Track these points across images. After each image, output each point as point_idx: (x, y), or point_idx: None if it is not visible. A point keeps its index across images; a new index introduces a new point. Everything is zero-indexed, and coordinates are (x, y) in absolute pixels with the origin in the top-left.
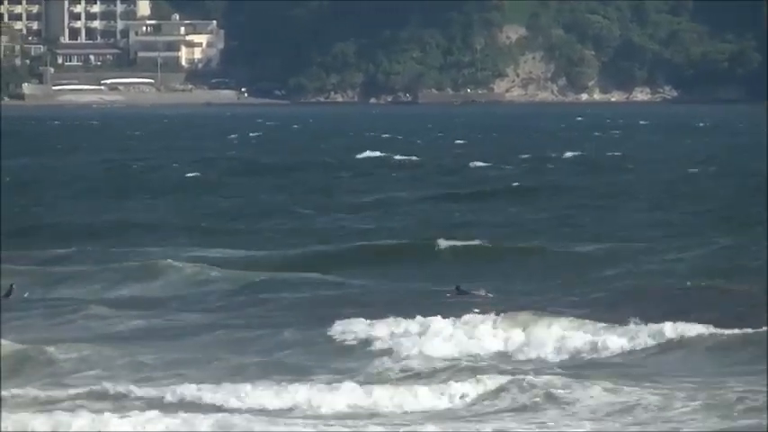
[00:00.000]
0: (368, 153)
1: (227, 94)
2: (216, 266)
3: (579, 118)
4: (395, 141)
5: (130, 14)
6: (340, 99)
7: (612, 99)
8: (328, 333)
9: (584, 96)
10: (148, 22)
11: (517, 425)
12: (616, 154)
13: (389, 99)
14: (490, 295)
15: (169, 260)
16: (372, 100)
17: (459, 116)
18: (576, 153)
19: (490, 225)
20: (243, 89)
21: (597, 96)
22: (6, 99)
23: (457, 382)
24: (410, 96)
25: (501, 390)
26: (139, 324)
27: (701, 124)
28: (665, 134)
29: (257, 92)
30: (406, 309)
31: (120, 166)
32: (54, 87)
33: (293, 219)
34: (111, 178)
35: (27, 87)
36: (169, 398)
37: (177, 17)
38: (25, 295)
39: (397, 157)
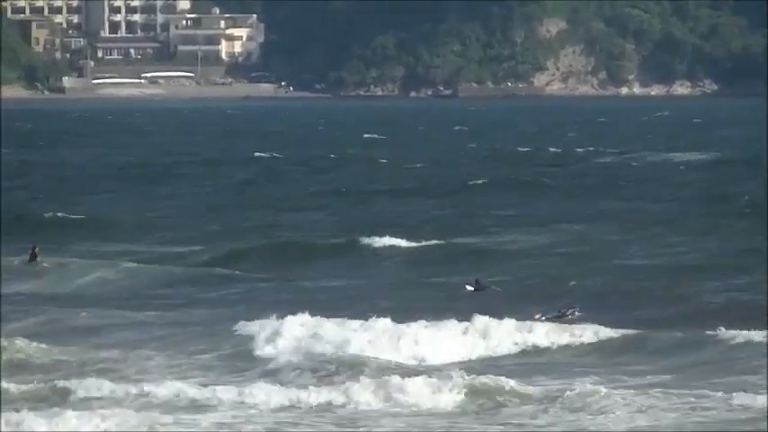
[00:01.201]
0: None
1: (266, 88)
2: (145, 263)
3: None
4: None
5: (170, 8)
6: (380, 93)
7: (652, 93)
8: (233, 330)
9: (624, 90)
10: (188, 15)
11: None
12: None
13: (429, 93)
14: (498, 289)
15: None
16: (412, 93)
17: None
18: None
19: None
20: (284, 83)
21: (637, 90)
22: (47, 93)
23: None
24: (450, 90)
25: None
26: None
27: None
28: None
29: (297, 85)
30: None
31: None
32: (94, 81)
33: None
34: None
35: (67, 81)
36: (82, 393)
37: (217, 11)
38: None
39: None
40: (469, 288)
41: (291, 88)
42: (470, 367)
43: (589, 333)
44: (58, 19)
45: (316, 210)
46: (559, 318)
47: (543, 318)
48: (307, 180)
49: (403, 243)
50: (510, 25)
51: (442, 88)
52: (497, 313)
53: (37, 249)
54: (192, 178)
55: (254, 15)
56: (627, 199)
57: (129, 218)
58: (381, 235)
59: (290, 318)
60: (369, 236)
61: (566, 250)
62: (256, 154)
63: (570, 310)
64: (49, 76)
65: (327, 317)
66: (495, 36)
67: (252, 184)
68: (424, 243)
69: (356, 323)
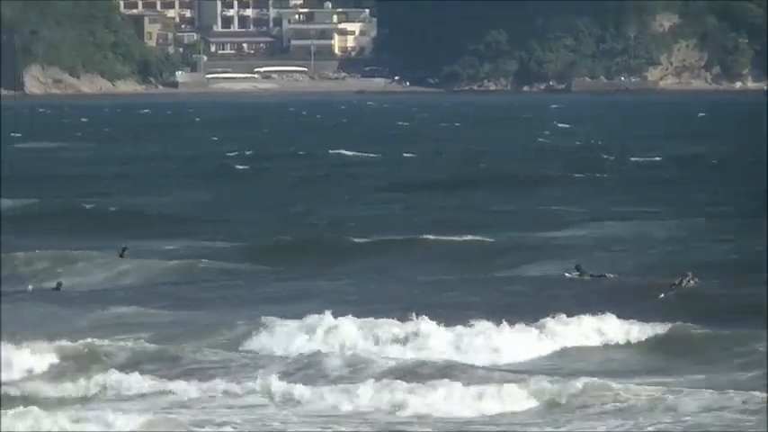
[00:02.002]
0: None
1: (379, 83)
2: (192, 258)
3: None
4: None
5: (283, 3)
6: (493, 87)
7: (766, 87)
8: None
9: (738, 84)
10: (301, 10)
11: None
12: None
13: (542, 87)
14: (610, 275)
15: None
16: (525, 88)
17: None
18: None
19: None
20: (397, 77)
21: (751, 85)
22: (160, 87)
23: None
24: (563, 85)
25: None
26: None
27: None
28: None
29: (410, 80)
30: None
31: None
32: (207, 76)
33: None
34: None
35: (180, 75)
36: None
37: (330, 5)
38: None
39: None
40: (569, 275)
41: (408, 83)
42: (546, 367)
43: (648, 330)
44: (171, 14)
45: (376, 205)
46: (677, 287)
47: (663, 295)
48: (370, 176)
49: (469, 238)
50: (623, 19)
51: (554, 83)
52: (590, 307)
53: (126, 252)
54: (254, 174)
55: (367, 10)
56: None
57: (190, 213)
58: (449, 230)
59: (349, 316)
60: (436, 232)
61: (626, 246)
62: (331, 151)
63: (686, 279)
64: (162, 70)
65: (389, 316)
66: (608, 30)
67: (318, 179)
68: (484, 238)
69: (428, 323)
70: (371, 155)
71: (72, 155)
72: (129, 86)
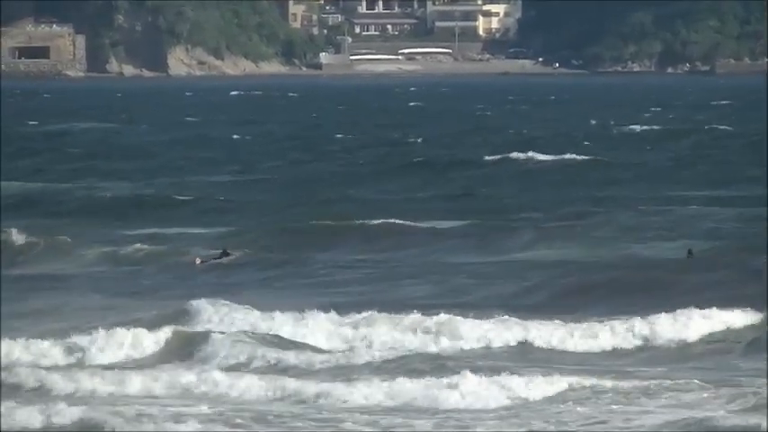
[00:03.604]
0: None
1: (524, 64)
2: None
3: None
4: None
5: None
6: (637, 69)
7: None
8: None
9: None
10: None
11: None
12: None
13: (686, 69)
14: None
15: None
16: (669, 69)
17: None
18: None
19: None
20: (540, 59)
21: None
22: (304, 69)
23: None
24: (708, 66)
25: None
26: None
27: None
28: None
29: (554, 61)
30: None
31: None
32: (351, 57)
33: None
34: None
35: (324, 57)
36: None
37: None
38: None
39: None
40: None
41: (557, 64)
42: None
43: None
44: None
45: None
46: None
47: None
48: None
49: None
50: None
51: (699, 64)
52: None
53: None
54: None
55: None
56: None
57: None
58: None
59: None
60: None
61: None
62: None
63: None
64: (306, 52)
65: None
66: (752, 12)
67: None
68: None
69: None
70: None
71: None
72: (272, 68)
